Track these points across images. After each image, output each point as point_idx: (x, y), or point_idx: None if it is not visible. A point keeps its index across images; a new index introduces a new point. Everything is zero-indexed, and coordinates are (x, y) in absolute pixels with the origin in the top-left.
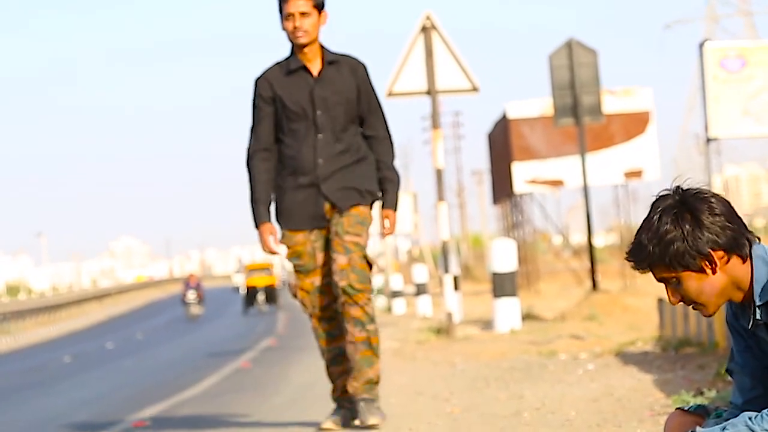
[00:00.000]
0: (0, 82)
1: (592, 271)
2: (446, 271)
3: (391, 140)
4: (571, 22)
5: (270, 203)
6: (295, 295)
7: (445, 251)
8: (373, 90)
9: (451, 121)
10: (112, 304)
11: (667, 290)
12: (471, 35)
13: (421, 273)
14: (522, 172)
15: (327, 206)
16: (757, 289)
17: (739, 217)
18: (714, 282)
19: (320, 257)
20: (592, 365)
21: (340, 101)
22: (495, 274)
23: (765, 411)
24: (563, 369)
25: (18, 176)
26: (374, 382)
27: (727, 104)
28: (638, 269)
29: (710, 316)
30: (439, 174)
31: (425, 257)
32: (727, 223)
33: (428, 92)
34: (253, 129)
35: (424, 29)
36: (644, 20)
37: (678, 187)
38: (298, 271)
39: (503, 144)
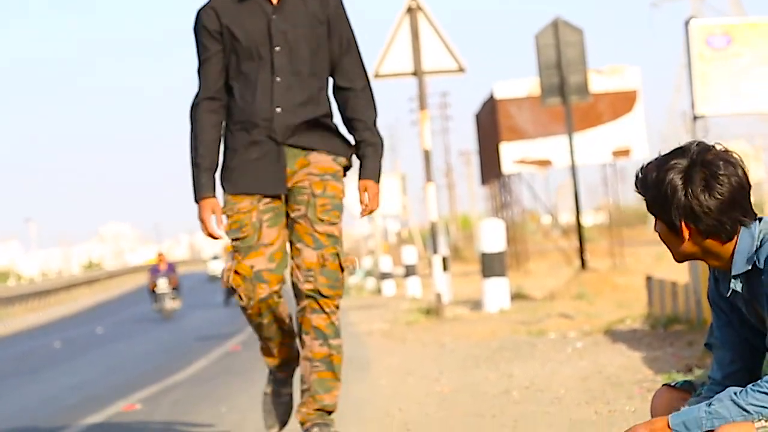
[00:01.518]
0: None
1: (581, 250)
2: (435, 252)
3: (371, 93)
4: (558, 2)
5: (216, 168)
6: (227, 283)
7: (433, 232)
8: (349, 26)
9: (438, 102)
10: (102, 290)
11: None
12: (457, 15)
13: (410, 254)
14: (510, 153)
15: (288, 170)
16: (737, 260)
17: (744, 198)
18: (684, 245)
19: (268, 234)
20: (581, 343)
21: (304, 36)
22: (484, 255)
23: (750, 386)
24: (552, 348)
25: (6, 162)
26: (329, 411)
27: (714, 82)
28: (636, 186)
29: (677, 262)
30: (426, 155)
31: (414, 239)
32: (721, 208)
33: (415, 73)
34: (198, 73)
35: (409, 10)
36: None
37: (702, 146)
38: (236, 249)
39: (491, 124)
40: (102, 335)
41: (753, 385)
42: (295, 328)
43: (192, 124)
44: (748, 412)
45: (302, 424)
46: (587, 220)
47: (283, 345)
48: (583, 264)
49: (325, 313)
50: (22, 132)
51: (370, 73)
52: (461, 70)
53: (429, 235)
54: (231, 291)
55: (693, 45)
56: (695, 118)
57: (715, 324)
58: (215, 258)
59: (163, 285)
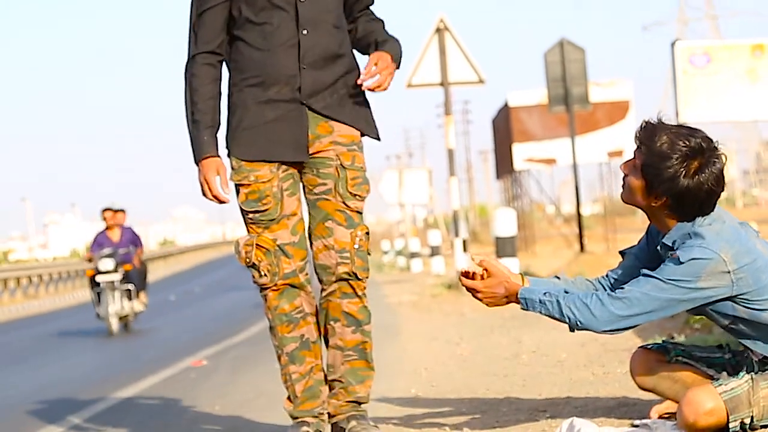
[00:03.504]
0: (71, 66)
1: (580, 236)
2: (456, 235)
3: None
4: (565, 25)
5: (217, 127)
6: (247, 258)
7: (455, 219)
8: None
9: (461, 109)
10: (175, 263)
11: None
12: (478, 35)
13: (435, 237)
14: (521, 152)
15: (311, 134)
16: (672, 234)
17: (718, 197)
18: (644, 203)
19: (289, 204)
20: None
21: None
22: (498, 238)
23: (587, 296)
24: None
25: (95, 153)
26: (362, 402)
27: (695, 94)
28: (637, 134)
29: (623, 201)
30: (450, 153)
31: (439, 224)
32: (705, 201)
33: (441, 84)
34: (193, 26)
35: (438, 30)
36: (626, 22)
37: (712, 142)
38: (254, 222)
39: (505, 128)
40: (174, 302)
41: (587, 297)
42: (320, 317)
43: (188, 79)
44: (562, 313)
45: (333, 416)
46: (586, 211)
47: (305, 375)
48: (582, 247)
49: (358, 296)
50: (110, 127)
51: (403, 84)
52: (481, 81)
53: (451, 221)
54: (251, 269)
55: (678, 63)
56: None
57: (639, 243)
58: None
59: (108, 269)
